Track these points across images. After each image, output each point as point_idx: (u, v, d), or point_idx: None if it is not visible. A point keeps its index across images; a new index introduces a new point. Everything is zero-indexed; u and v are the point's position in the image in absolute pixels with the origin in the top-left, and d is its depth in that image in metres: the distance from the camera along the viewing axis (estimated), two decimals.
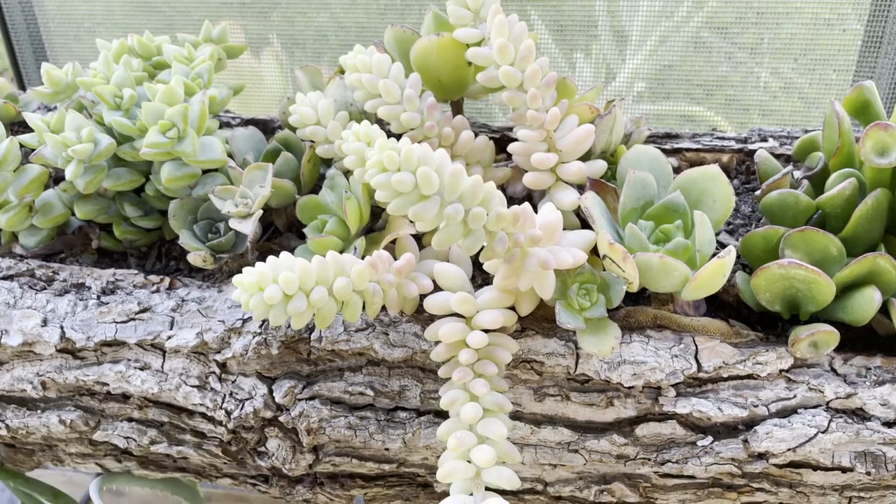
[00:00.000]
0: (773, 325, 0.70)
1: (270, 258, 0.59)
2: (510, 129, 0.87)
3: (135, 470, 0.81)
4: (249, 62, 1.53)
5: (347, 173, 0.72)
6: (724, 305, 0.71)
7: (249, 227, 0.66)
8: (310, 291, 0.59)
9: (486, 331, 0.63)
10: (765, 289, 0.64)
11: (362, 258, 0.68)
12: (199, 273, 0.77)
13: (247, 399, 0.70)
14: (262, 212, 0.67)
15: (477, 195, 0.56)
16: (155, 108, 0.68)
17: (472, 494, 0.59)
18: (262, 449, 0.74)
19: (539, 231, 0.59)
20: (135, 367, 0.72)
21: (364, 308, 0.64)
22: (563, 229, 0.66)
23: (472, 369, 0.62)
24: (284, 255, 0.60)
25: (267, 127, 0.89)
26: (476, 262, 0.71)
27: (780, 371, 0.65)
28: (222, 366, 0.71)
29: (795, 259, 0.64)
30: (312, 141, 0.74)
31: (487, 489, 0.60)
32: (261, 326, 0.69)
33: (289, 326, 0.68)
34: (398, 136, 0.73)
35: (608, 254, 0.63)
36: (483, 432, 0.60)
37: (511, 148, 0.71)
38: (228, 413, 0.70)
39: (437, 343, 0.65)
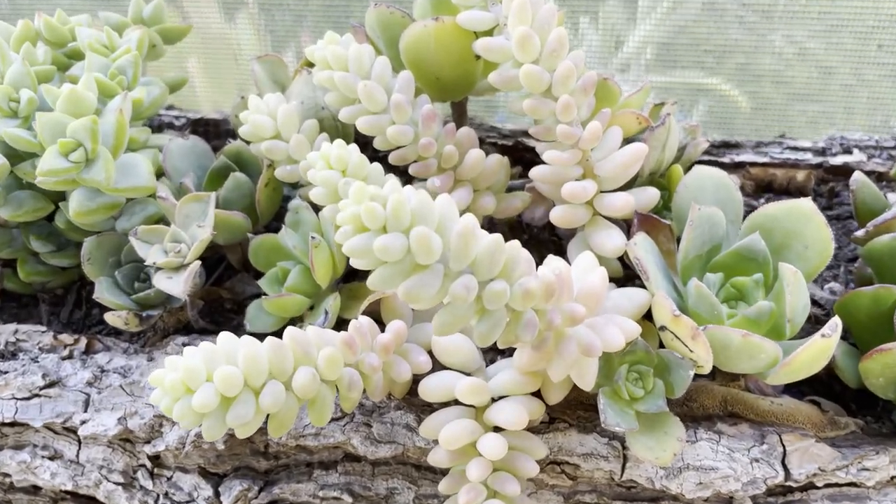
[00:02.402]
0: (871, 404, 0.54)
1: (204, 345, 0.42)
2: (526, 132, 0.70)
3: None
4: (220, 27, 1.33)
5: (317, 205, 0.54)
6: (809, 378, 0.54)
7: (180, 286, 0.48)
8: (260, 389, 0.43)
9: (503, 427, 0.47)
10: (879, 373, 0.48)
11: (336, 325, 0.51)
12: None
13: (186, 502, 0.53)
14: (198, 263, 0.50)
15: (496, 262, 0.39)
16: (54, 120, 0.51)
17: None
18: None
19: (580, 307, 0.42)
20: (42, 456, 0.55)
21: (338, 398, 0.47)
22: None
23: (486, 485, 0.46)
24: (224, 337, 0.43)
25: (219, 129, 0.71)
26: None
27: (892, 478, 0.49)
28: (154, 458, 0.54)
29: None
30: (272, 160, 0.57)
31: None
32: None
33: None
34: (385, 155, 0.55)
35: (671, 327, 0.46)
36: None
37: (534, 174, 0.53)
38: None
39: (436, 441, 0.48)
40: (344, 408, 0.47)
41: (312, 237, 0.49)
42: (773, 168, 0.64)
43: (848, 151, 0.65)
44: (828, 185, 0.64)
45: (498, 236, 0.39)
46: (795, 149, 0.65)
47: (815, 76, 1.22)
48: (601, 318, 0.46)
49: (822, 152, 0.65)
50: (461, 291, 0.38)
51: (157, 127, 0.72)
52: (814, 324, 0.55)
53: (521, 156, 0.67)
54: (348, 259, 0.55)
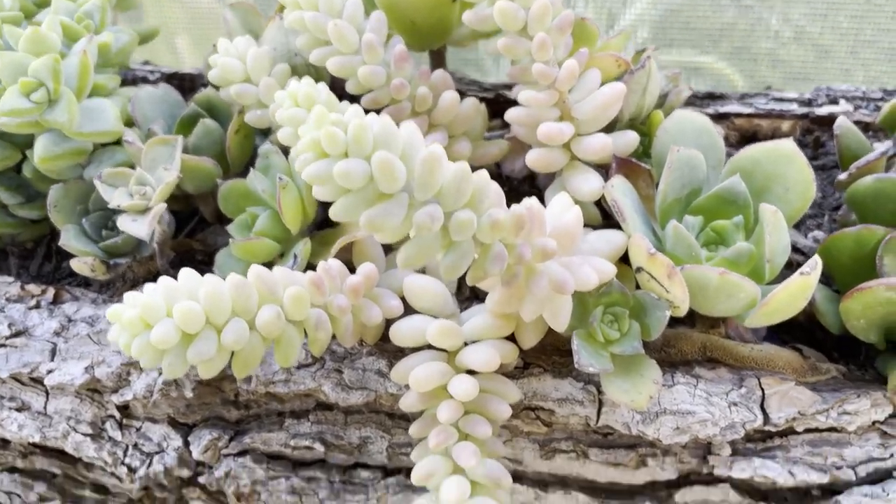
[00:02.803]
0: (854, 351, 0.53)
1: (164, 280, 0.41)
2: (508, 86, 0.69)
3: None
4: (210, 5, 1.30)
5: (288, 149, 0.53)
6: (791, 325, 0.53)
7: (145, 228, 0.47)
8: (222, 327, 0.41)
9: (475, 372, 0.46)
10: (860, 314, 0.47)
11: (306, 270, 0.50)
12: (97, 280, 0.58)
13: (156, 453, 0.52)
14: (164, 205, 0.49)
15: (463, 192, 0.38)
16: (15, 61, 0.49)
17: None
18: None
19: (551, 241, 0.41)
20: (10, 408, 0.54)
21: (307, 342, 0.46)
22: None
23: (457, 428, 0.45)
24: (186, 273, 0.42)
25: (195, 84, 0.69)
26: None
27: (874, 423, 0.48)
28: (123, 409, 0.53)
29: None
30: (242, 105, 0.55)
31: None
32: None
33: None
34: (358, 100, 0.54)
35: (647, 267, 0.45)
36: None
37: (510, 116, 0.52)
38: (132, 470, 0.53)
39: (407, 386, 0.47)
40: (312, 351, 0.46)
41: (280, 178, 0.47)
42: (758, 119, 0.63)
43: (834, 102, 0.64)
44: (813, 135, 0.62)
45: (464, 164, 0.38)
46: (781, 100, 0.64)
47: (812, 57, 1.22)
48: (576, 257, 0.45)
49: (808, 103, 0.64)
50: (426, 220, 0.37)
51: (131, 81, 0.70)
52: (795, 270, 0.53)
53: (502, 108, 0.65)
54: (319, 205, 0.54)
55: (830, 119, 0.62)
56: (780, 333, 0.53)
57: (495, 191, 0.40)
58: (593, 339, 0.46)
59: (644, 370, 0.46)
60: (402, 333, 0.47)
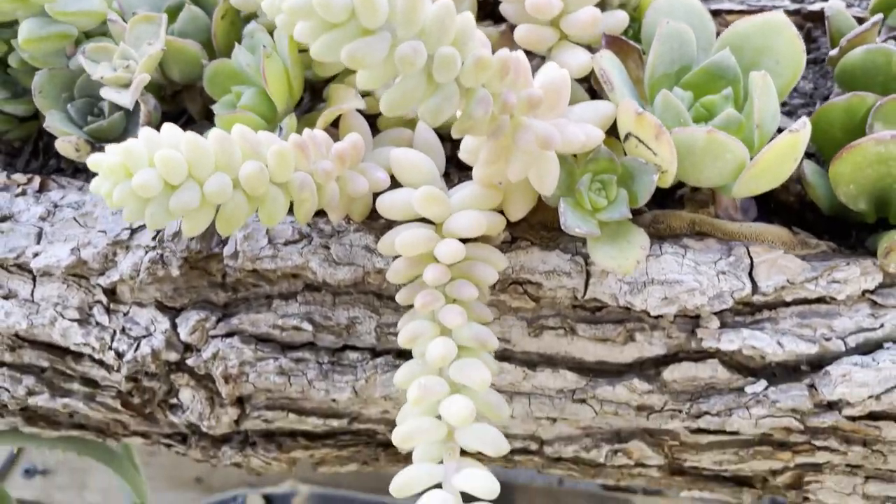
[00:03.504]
0: (844, 234, 0.53)
1: (145, 130, 0.41)
2: None
3: (22, 427, 0.64)
4: None
5: (273, 31, 0.52)
6: (781, 208, 0.53)
7: (128, 97, 0.47)
8: (205, 180, 0.41)
9: (463, 241, 0.45)
10: (850, 178, 0.46)
11: None
12: (83, 174, 0.58)
13: (143, 336, 0.52)
14: (147, 77, 0.48)
15: (446, 29, 0.38)
16: None
17: (442, 462, 0.43)
18: (175, 401, 0.56)
19: (538, 91, 0.41)
20: None
21: (292, 210, 0.46)
22: (569, 104, 0.47)
23: (443, 292, 0.45)
24: (167, 126, 0.42)
25: None
26: (452, 156, 0.52)
27: (864, 292, 0.48)
28: (110, 293, 0.53)
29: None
30: None
31: (464, 453, 0.43)
32: (155, 238, 0.50)
33: (193, 239, 0.50)
34: None
35: (634, 131, 0.45)
36: (457, 378, 0.43)
37: None
38: (119, 355, 0.53)
39: (395, 258, 0.47)
40: (298, 218, 0.45)
41: (263, 47, 0.47)
42: (751, 14, 0.62)
43: None
44: (804, 29, 0.62)
45: (448, 2, 0.37)
46: None
47: None
48: (562, 119, 0.44)
49: (800, 0, 0.63)
50: (409, 52, 0.37)
51: None
52: None
53: (492, 10, 0.65)
54: (305, 88, 0.53)
55: (822, 14, 0.61)
56: (770, 216, 0.53)
57: (480, 37, 0.39)
58: (581, 206, 0.46)
59: (631, 236, 0.46)
60: (387, 205, 0.47)
